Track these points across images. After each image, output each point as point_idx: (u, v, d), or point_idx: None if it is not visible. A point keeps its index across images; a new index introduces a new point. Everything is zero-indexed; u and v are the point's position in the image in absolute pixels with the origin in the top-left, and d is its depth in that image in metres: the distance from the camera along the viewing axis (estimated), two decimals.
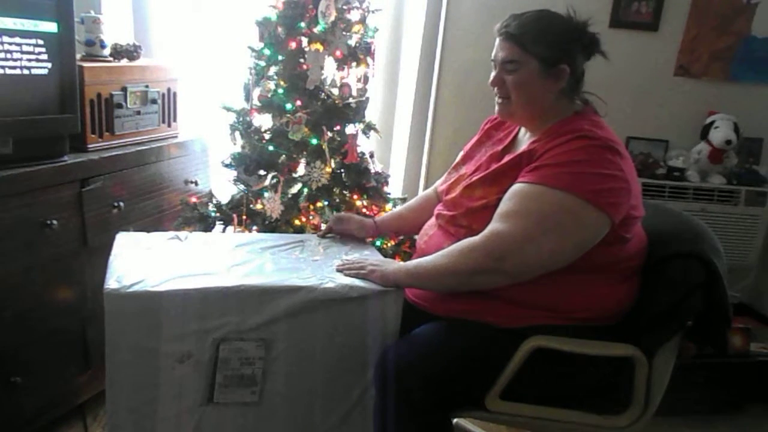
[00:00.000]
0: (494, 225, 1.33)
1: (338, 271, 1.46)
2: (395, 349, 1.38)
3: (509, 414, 1.41)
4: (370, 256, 1.57)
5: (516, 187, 1.36)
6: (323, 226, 1.80)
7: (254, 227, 2.08)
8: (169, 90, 2.16)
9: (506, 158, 1.47)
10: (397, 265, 1.45)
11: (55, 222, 1.71)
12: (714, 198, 2.50)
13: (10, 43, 1.57)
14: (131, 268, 1.36)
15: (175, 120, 2.22)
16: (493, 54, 1.47)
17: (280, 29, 2.02)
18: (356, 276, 1.43)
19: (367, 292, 1.39)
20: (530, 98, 1.44)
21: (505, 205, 1.35)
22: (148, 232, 1.67)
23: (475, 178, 1.50)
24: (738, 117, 2.51)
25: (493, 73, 1.48)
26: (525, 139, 1.51)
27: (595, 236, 1.33)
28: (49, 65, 1.66)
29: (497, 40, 1.46)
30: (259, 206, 2.09)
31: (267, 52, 2.05)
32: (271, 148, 2.07)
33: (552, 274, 1.33)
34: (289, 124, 2.01)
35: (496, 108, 1.51)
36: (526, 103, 1.44)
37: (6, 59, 1.57)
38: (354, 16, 2.08)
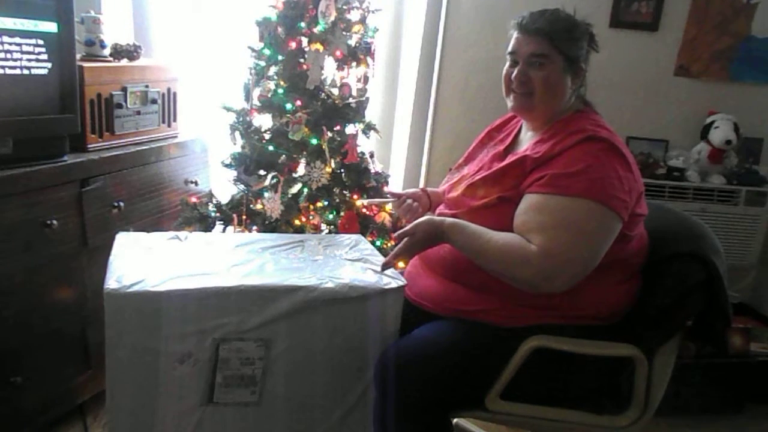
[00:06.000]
0: (541, 240, 1.29)
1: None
2: (395, 349, 1.38)
3: (509, 414, 1.41)
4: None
5: (548, 199, 1.33)
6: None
7: (254, 227, 2.08)
8: (169, 90, 2.16)
9: (509, 158, 1.47)
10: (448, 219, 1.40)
11: (55, 222, 1.71)
12: (714, 198, 2.49)
13: (10, 43, 1.57)
14: (131, 268, 1.36)
15: (175, 120, 2.22)
16: (511, 47, 1.45)
17: (280, 29, 2.03)
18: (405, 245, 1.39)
19: (367, 292, 1.39)
20: (555, 95, 1.43)
21: (542, 216, 1.32)
22: (148, 232, 1.67)
23: (477, 178, 1.50)
24: (738, 117, 2.51)
25: (507, 67, 1.47)
26: (527, 138, 1.51)
27: (613, 239, 1.33)
28: (49, 65, 1.66)
29: (517, 35, 1.44)
30: (259, 206, 2.09)
31: (267, 52, 2.06)
32: (271, 148, 2.07)
33: None
34: (289, 124, 2.01)
35: (512, 102, 1.47)
36: (551, 100, 1.43)
37: (6, 59, 1.57)
38: (354, 16, 2.08)
